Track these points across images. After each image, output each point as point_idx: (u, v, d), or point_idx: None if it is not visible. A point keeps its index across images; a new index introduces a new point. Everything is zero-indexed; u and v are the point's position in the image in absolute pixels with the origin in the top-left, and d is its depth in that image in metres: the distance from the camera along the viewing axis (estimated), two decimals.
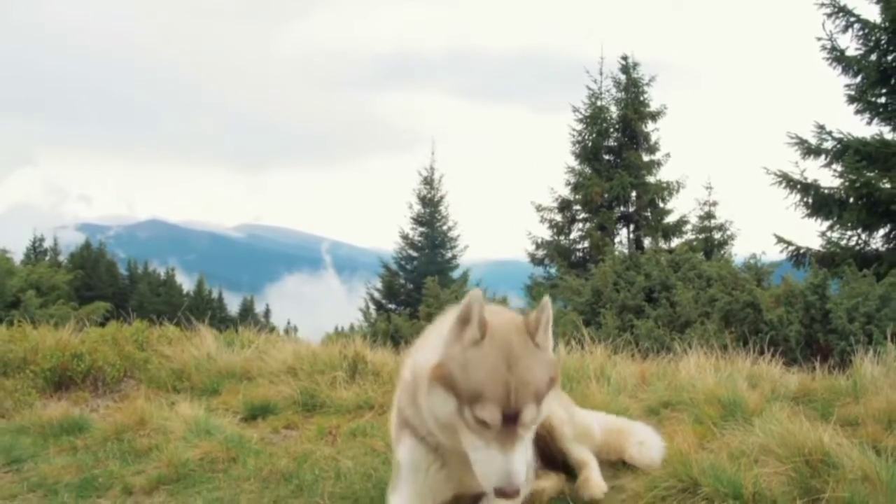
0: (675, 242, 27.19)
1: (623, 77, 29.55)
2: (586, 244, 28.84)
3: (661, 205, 29.04)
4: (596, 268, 14.03)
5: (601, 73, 29.85)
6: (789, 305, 9.81)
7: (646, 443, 4.19)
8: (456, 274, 37.01)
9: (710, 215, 29.23)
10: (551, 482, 3.84)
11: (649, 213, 29.15)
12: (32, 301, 12.70)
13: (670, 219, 28.96)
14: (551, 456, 3.92)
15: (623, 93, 29.55)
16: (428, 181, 37.12)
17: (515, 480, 2.58)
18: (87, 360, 6.54)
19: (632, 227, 29.55)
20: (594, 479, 3.73)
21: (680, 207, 29.28)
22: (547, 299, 2.89)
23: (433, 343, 2.93)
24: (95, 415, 5.63)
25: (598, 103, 29.60)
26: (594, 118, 29.20)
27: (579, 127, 29.55)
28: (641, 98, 29.47)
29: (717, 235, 28.60)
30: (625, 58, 29.64)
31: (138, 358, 7.02)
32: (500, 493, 2.58)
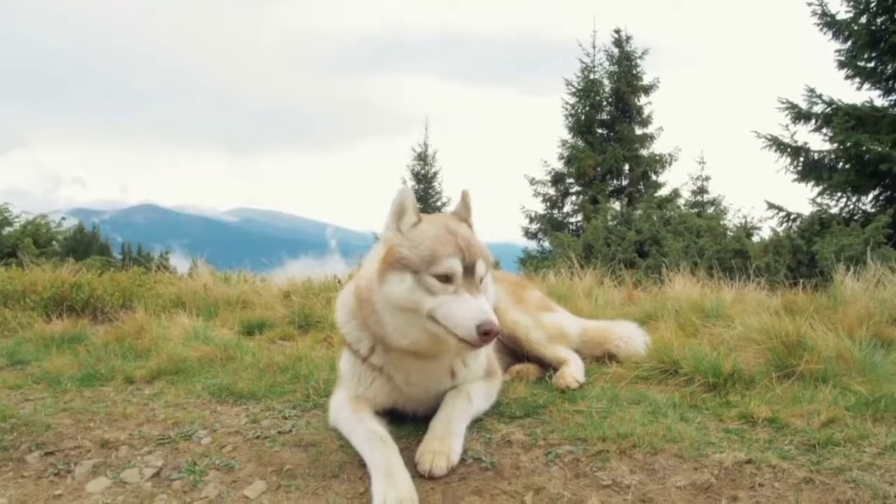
0: (674, 215, 27.31)
1: (616, 50, 29.57)
2: (579, 217, 28.99)
3: (654, 178, 29.15)
4: (588, 224, 14.15)
5: (594, 47, 29.86)
6: (777, 254, 9.96)
7: (629, 338, 4.34)
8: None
9: (702, 190, 29.44)
10: (534, 367, 4.01)
11: (642, 186, 29.25)
12: (30, 249, 12.76)
13: (663, 192, 29.08)
14: (532, 361, 4.08)
15: (616, 66, 29.55)
16: (422, 157, 37.08)
17: (493, 319, 2.68)
18: (87, 290, 6.66)
19: (625, 200, 29.68)
20: (569, 373, 3.85)
21: (672, 181, 29.45)
22: (467, 189, 3.18)
23: (370, 263, 3.08)
24: (94, 336, 5.75)
25: (591, 77, 29.61)
26: (587, 91, 29.22)
27: (572, 100, 29.58)
28: (634, 72, 29.47)
29: (710, 210, 28.78)
30: (617, 31, 29.65)
31: (136, 291, 7.15)
32: (484, 332, 2.65)
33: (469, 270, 2.80)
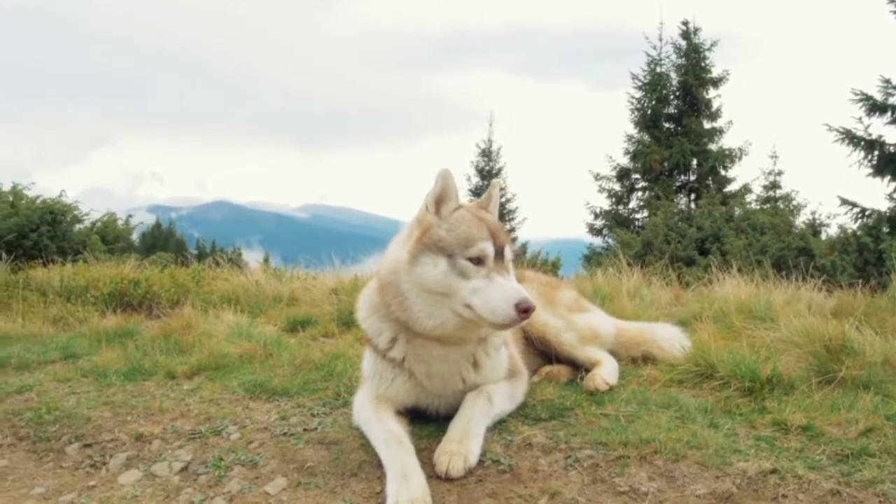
0: (738, 212, 26.50)
1: (683, 43, 28.85)
2: (645, 213, 28.42)
3: (723, 172, 28.35)
4: (648, 220, 13.87)
5: (660, 40, 29.20)
6: (844, 252, 9.58)
7: (668, 340, 4.24)
8: (514, 246, 36.65)
9: (775, 185, 28.52)
10: (565, 369, 3.96)
11: (710, 182, 28.50)
12: (97, 245, 13.30)
13: (732, 187, 28.27)
14: (564, 363, 4.05)
15: (683, 59, 28.84)
16: (486, 153, 36.94)
17: (528, 296, 2.78)
18: (144, 286, 6.88)
19: (692, 195, 28.98)
20: (599, 375, 3.79)
21: (742, 175, 28.58)
22: (496, 180, 3.36)
23: (395, 249, 3.13)
24: (146, 331, 5.93)
25: (658, 70, 28.97)
26: (653, 85, 28.58)
27: (638, 94, 29.02)
28: (702, 64, 28.70)
29: (782, 206, 27.83)
30: (685, 23, 28.93)
31: (191, 287, 7.35)
32: (523, 310, 2.74)
33: (499, 253, 2.93)
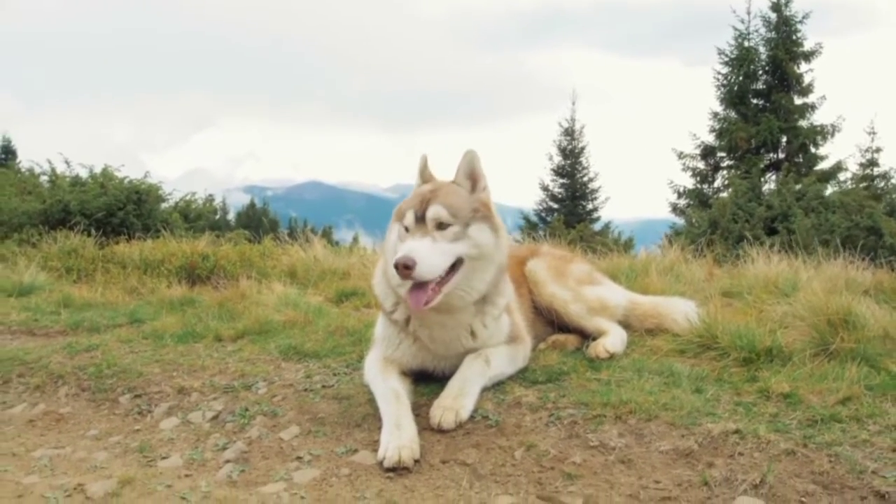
0: (830, 191, 25.45)
1: (773, 16, 27.82)
2: (730, 192, 27.67)
3: (814, 150, 27.28)
4: (717, 199, 13.66)
5: (748, 13, 28.23)
6: None
7: (682, 314, 4.36)
8: (597, 226, 36.32)
9: (872, 163, 27.23)
10: (573, 337, 4.17)
11: (801, 159, 27.48)
12: (179, 224, 14.21)
13: (824, 165, 27.18)
14: (574, 332, 4.25)
15: (773, 32, 27.82)
16: (569, 132, 36.64)
17: (410, 255, 2.96)
18: (212, 260, 7.41)
19: (781, 174, 28.03)
20: (602, 343, 3.97)
21: (836, 153, 27.39)
22: (469, 150, 3.41)
23: None
24: (206, 298, 6.43)
25: (746, 44, 28.04)
26: (741, 60, 27.65)
27: (725, 70, 28.18)
28: (794, 37, 27.60)
29: (880, 184, 26.59)
30: None
31: (256, 261, 7.85)
32: (403, 266, 2.94)
33: (420, 218, 3.15)
